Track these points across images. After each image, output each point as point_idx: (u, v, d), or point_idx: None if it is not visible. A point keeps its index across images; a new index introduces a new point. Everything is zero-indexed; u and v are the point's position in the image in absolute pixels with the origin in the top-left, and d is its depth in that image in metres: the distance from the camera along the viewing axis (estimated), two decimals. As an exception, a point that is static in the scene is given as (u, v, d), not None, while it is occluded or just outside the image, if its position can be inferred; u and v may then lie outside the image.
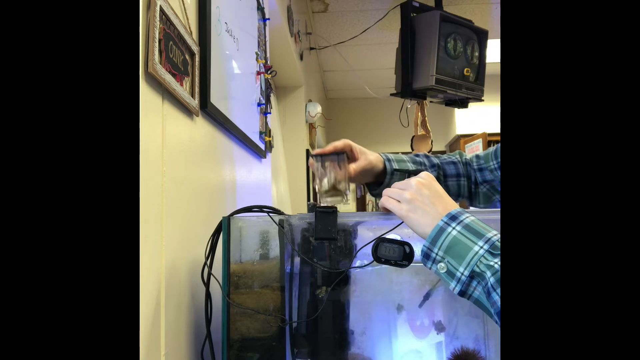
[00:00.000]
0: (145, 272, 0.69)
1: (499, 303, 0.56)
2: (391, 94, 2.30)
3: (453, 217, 0.63)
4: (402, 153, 0.97)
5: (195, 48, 0.93)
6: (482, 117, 4.86)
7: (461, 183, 0.96)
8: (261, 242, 0.87)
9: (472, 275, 0.59)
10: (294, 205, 3.12)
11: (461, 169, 0.96)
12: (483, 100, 2.35)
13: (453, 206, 0.66)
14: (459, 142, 4.94)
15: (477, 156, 0.98)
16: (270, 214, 0.84)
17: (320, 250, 0.81)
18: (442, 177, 0.95)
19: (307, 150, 3.32)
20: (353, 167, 0.86)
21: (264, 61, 1.59)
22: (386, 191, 0.72)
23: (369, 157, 0.88)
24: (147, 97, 0.73)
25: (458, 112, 5.05)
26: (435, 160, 0.95)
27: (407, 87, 2.16)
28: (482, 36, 2.27)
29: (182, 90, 0.85)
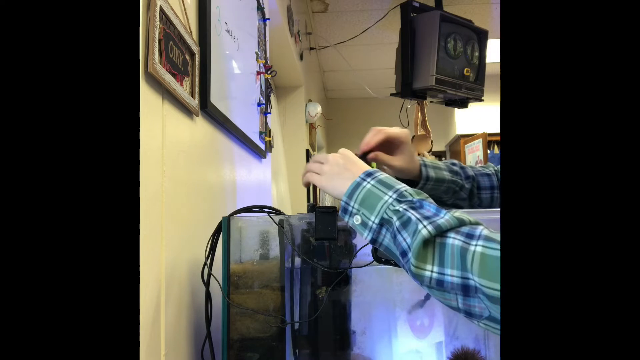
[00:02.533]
0: (145, 272, 0.69)
1: (403, 244, 0.59)
2: (391, 94, 2.30)
3: (369, 174, 0.68)
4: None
5: (195, 48, 0.93)
6: (482, 117, 4.86)
7: (495, 196, 0.96)
8: (261, 242, 0.87)
9: (382, 223, 0.63)
10: (294, 205, 3.12)
11: (495, 182, 0.96)
12: (483, 100, 2.34)
13: (368, 168, 0.71)
14: (459, 142, 4.94)
15: None
16: (270, 214, 0.84)
17: (320, 250, 0.81)
18: (476, 190, 0.94)
19: (307, 151, 3.32)
20: (396, 162, 0.86)
21: (264, 61, 1.59)
22: (308, 167, 0.77)
23: (415, 159, 0.87)
24: (147, 97, 0.73)
25: (458, 112, 5.05)
26: (471, 172, 0.94)
27: (407, 87, 2.16)
28: (482, 36, 2.27)
29: (182, 90, 0.85)
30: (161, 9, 0.76)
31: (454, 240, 0.56)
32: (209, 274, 0.82)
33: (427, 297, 0.87)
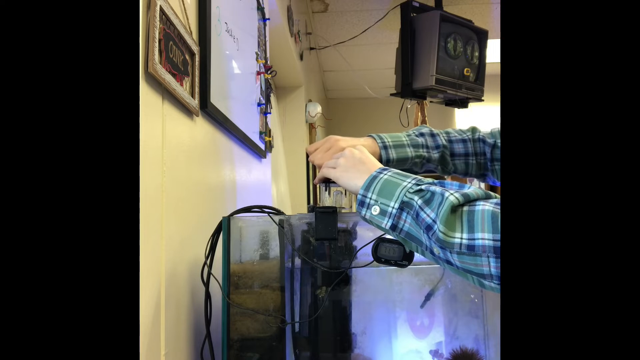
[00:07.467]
0: (145, 272, 0.69)
1: (427, 219, 0.58)
2: (391, 94, 2.30)
3: (385, 168, 0.68)
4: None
5: (195, 48, 0.93)
6: (482, 117, 4.85)
7: (469, 162, 0.94)
8: (261, 242, 0.87)
9: (402, 207, 0.62)
10: (294, 205, 3.12)
11: (470, 148, 0.94)
12: (483, 100, 2.34)
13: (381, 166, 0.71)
14: (459, 142, 4.92)
15: None
16: (270, 214, 0.84)
17: (320, 250, 0.81)
18: (449, 157, 0.92)
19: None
20: None
21: (264, 61, 1.59)
22: (326, 164, 0.77)
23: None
24: (147, 97, 0.73)
25: (458, 112, 5.04)
26: (441, 141, 0.91)
27: (407, 87, 2.16)
28: (482, 36, 2.27)
29: (182, 90, 0.85)
30: (161, 9, 0.76)
31: (483, 207, 0.55)
32: (209, 274, 0.82)
33: (428, 297, 0.87)
